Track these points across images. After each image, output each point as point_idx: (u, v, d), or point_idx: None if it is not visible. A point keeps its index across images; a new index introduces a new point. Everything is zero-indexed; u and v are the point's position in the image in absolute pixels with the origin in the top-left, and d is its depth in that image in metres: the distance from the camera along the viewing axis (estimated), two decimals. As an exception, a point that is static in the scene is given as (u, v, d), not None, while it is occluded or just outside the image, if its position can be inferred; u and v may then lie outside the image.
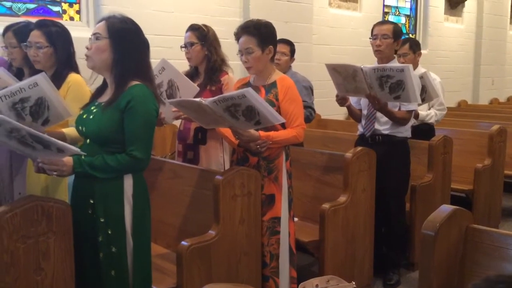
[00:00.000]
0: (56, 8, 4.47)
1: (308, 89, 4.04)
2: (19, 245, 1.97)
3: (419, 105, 3.69)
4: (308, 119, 3.84)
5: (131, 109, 2.12)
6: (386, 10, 7.64)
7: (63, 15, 4.50)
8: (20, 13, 4.27)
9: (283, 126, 2.77)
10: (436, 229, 1.88)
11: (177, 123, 3.47)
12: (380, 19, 6.88)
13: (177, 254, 2.54)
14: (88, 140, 2.21)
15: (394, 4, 7.84)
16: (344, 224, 3.24)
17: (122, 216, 2.18)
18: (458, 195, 4.54)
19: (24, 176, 2.76)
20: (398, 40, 3.50)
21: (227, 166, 3.18)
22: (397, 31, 3.48)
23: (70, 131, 2.54)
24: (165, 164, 3.29)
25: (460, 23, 8.92)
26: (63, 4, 4.50)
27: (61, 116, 2.36)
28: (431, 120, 4.31)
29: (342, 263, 3.27)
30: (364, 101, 3.57)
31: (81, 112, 2.29)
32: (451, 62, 8.55)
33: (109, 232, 2.17)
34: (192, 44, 3.22)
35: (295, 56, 4.21)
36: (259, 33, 2.74)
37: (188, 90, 3.00)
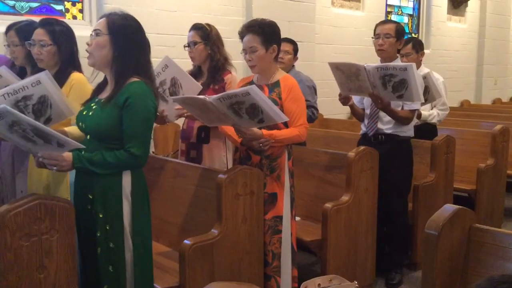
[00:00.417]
0: (59, 7, 4.48)
1: (311, 89, 4.04)
2: (22, 243, 1.97)
3: (421, 104, 3.69)
4: (310, 119, 3.84)
5: (129, 106, 2.13)
6: (388, 9, 7.63)
7: (66, 13, 4.51)
8: (23, 12, 4.28)
9: (286, 125, 2.77)
10: (439, 228, 1.88)
11: (180, 122, 3.47)
12: (382, 18, 6.87)
13: (180, 253, 2.54)
14: (88, 136, 2.22)
15: (397, 3, 7.83)
16: (346, 223, 3.24)
17: (120, 212, 2.19)
18: (461, 195, 4.53)
19: (26, 174, 2.76)
20: (401, 39, 3.50)
21: (230, 165, 3.18)
22: (399, 31, 3.47)
23: (73, 129, 2.54)
24: (168, 163, 3.29)
25: (463, 23, 8.90)
26: (66, 2, 4.51)
27: (63, 115, 2.37)
28: (434, 120, 4.30)
29: (345, 262, 3.27)
30: (367, 101, 3.56)
31: (81, 109, 2.30)
32: (454, 62, 8.54)
33: (107, 227, 2.18)
34: (195, 43, 3.22)
35: (298, 55, 4.21)
36: (263, 32, 2.74)
37: (191, 88, 3.00)
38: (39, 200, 2.02)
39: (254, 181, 2.73)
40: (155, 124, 2.80)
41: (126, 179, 2.20)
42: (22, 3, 4.28)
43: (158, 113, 2.88)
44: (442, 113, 4.34)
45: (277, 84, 2.80)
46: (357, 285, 1.43)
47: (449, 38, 8.48)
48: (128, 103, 2.12)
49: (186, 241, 2.55)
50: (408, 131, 3.57)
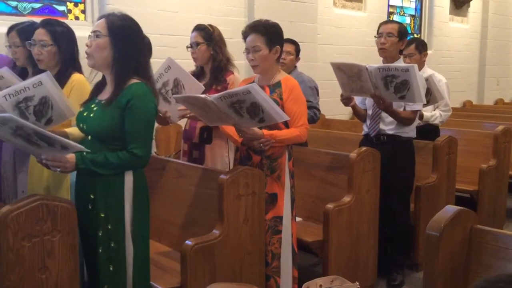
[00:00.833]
0: (61, 8, 4.49)
1: (313, 90, 4.04)
2: (24, 244, 1.98)
3: (424, 105, 3.68)
4: (312, 120, 3.84)
5: (132, 108, 2.14)
6: (391, 10, 7.62)
7: (68, 14, 4.51)
8: (25, 13, 4.29)
9: (287, 125, 2.78)
10: (441, 229, 1.87)
11: (182, 122, 3.47)
12: (385, 19, 6.87)
13: (181, 253, 2.55)
14: (89, 137, 2.23)
15: (399, 4, 7.82)
16: (348, 224, 3.24)
17: (122, 211, 2.21)
18: (463, 195, 4.52)
19: (27, 174, 2.77)
20: (403, 39, 3.49)
21: (232, 165, 3.18)
22: (402, 31, 3.47)
23: (73, 130, 2.55)
24: (169, 163, 3.30)
25: (465, 23, 8.89)
26: (68, 3, 4.51)
27: (64, 116, 2.37)
28: (436, 121, 4.29)
29: (346, 263, 3.27)
30: (369, 101, 3.56)
31: (81, 109, 2.30)
32: (456, 62, 8.52)
33: (109, 227, 2.19)
34: (198, 44, 3.23)
35: (300, 56, 4.21)
36: (267, 32, 2.75)
37: (194, 89, 3.00)
38: (41, 200, 2.03)
39: (256, 181, 2.73)
40: (157, 125, 2.80)
41: (128, 179, 2.22)
42: (25, 4, 4.29)
43: (161, 114, 2.90)
44: (445, 114, 4.33)
45: (278, 84, 2.81)
46: (358, 286, 1.43)
47: (451, 38, 8.46)
48: (130, 105, 2.14)
49: (187, 242, 2.55)
50: (410, 132, 3.56)
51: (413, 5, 8.08)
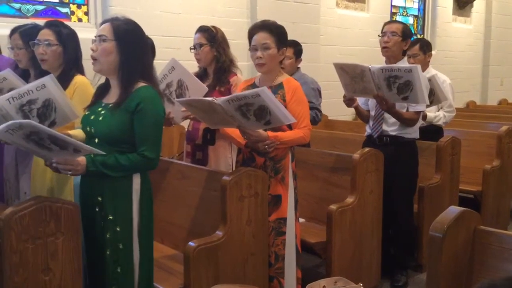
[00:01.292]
0: (64, 10, 4.50)
1: (315, 91, 4.03)
2: (27, 246, 1.98)
3: (427, 106, 3.68)
4: (314, 121, 3.83)
5: (141, 111, 2.16)
6: (394, 10, 7.61)
7: (71, 16, 4.52)
8: (29, 15, 4.31)
9: (290, 127, 2.77)
10: (444, 230, 1.87)
11: (185, 124, 3.48)
12: (387, 19, 6.84)
13: (185, 254, 2.55)
14: (96, 140, 2.23)
15: (402, 4, 7.81)
16: (351, 225, 3.24)
17: (130, 213, 2.22)
18: (467, 196, 4.51)
19: (29, 175, 2.78)
20: (407, 40, 3.49)
21: (235, 167, 3.18)
22: (406, 31, 3.47)
23: (77, 132, 2.55)
24: (173, 165, 3.30)
25: (468, 24, 8.87)
26: (71, 5, 4.53)
27: (68, 118, 2.38)
28: (439, 122, 4.28)
29: (350, 264, 3.27)
30: (372, 102, 3.56)
31: (86, 113, 2.31)
32: (459, 63, 8.50)
33: (118, 229, 2.20)
34: (201, 45, 3.24)
35: (302, 57, 4.20)
36: (277, 33, 2.76)
37: (197, 90, 3.01)
38: (44, 202, 2.03)
39: (259, 182, 2.73)
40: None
41: (136, 181, 2.24)
42: (28, 6, 4.30)
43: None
44: (449, 115, 4.32)
45: (280, 86, 2.80)
46: (362, 287, 1.43)
47: (454, 39, 8.44)
48: (140, 108, 2.16)
49: (190, 243, 2.55)
50: (413, 133, 3.55)
51: (416, 5, 8.07)
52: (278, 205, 2.82)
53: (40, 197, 2.09)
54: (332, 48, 6.35)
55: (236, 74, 3.26)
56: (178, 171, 3.22)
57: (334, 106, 5.68)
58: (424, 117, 4.07)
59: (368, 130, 3.67)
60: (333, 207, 3.16)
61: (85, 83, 2.74)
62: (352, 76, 3.15)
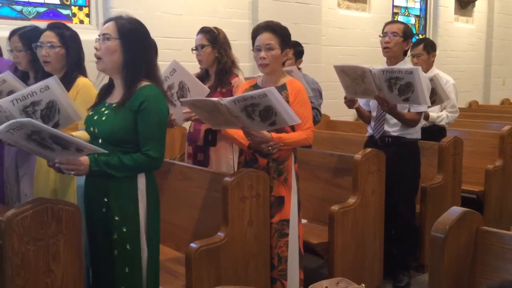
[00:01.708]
0: (66, 12, 4.50)
1: (316, 91, 4.03)
2: (29, 247, 1.98)
3: (429, 107, 3.67)
4: (314, 121, 3.81)
5: (145, 110, 2.15)
6: (395, 10, 7.60)
7: (72, 18, 4.53)
8: (30, 17, 4.31)
9: (293, 128, 2.77)
10: (446, 231, 1.86)
11: (186, 125, 3.48)
12: (389, 19, 6.83)
13: (186, 256, 2.54)
14: (100, 140, 2.22)
15: (403, 4, 7.80)
16: (353, 226, 3.23)
17: (136, 213, 2.21)
18: (469, 196, 4.50)
19: (30, 178, 2.77)
20: (408, 40, 3.48)
21: (237, 168, 3.18)
22: (407, 32, 3.46)
23: (80, 134, 2.55)
24: (174, 166, 3.30)
25: (470, 23, 8.85)
26: (72, 7, 4.53)
27: (71, 120, 2.38)
28: (442, 122, 4.26)
29: (352, 265, 3.26)
30: (373, 103, 3.55)
31: (90, 113, 2.30)
32: (461, 63, 8.49)
33: (124, 229, 2.19)
34: (202, 46, 3.24)
35: (304, 57, 4.19)
36: (281, 34, 2.76)
37: (199, 92, 3.01)
38: (46, 204, 2.03)
39: (260, 183, 2.73)
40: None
41: (141, 181, 2.23)
42: (30, 8, 4.31)
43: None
44: (452, 116, 4.30)
45: (283, 87, 2.80)
46: (364, 288, 1.42)
47: (456, 38, 8.43)
48: (144, 107, 2.14)
49: (192, 244, 2.55)
50: (415, 133, 3.55)
51: (417, 5, 8.06)
52: (281, 206, 2.82)
53: (42, 198, 2.09)
54: (334, 48, 6.35)
55: (237, 76, 3.26)
56: (180, 172, 3.22)
57: (336, 107, 5.67)
58: (427, 117, 4.06)
59: (369, 130, 3.66)
60: (335, 207, 3.15)
61: (88, 85, 2.74)
62: (353, 78, 3.15)
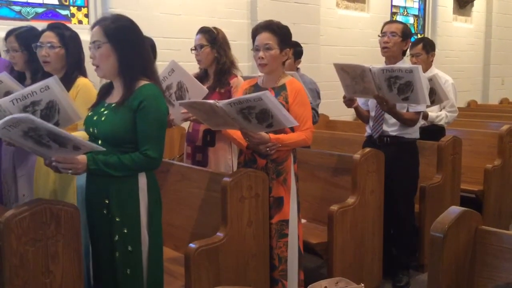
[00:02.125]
0: (64, 12, 4.50)
1: (313, 91, 4.02)
2: (28, 248, 1.98)
3: (428, 106, 3.67)
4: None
5: (144, 109, 2.14)
6: (394, 10, 7.61)
7: (71, 18, 4.53)
8: (29, 17, 4.31)
9: (292, 128, 2.77)
10: (445, 231, 1.86)
11: (186, 125, 3.47)
12: (388, 19, 6.84)
13: (185, 256, 2.54)
14: (99, 141, 2.21)
15: (402, 4, 7.80)
16: (352, 225, 3.23)
17: (137, 214, 2.20)
18: (468, 196, 4.50)
19: (28, 178, 2.77)
20: (407, 40, 3.49)
21: (236, 168, 3.18)
22: (406, 31, 3.47)
23: (80, 134, 2.55)
24: (173, 166, 3.30)
25: (469, 23, 8.86)
26: (71, 8, 4.53)
27: (71, 120, 2.38)
28: (441, 122, 4.26)
29: (351, 265, 3.26)
30: (372, 103, 3.55)
31: (89, 114, 2.30)
32: (460, 62, 8.50)
33: (125, 231, 2.18)
34: (202, 46, 3.24)
35: (303, 57, 4.19)
36: (280, 33, 2.75)
37: (197, 92, 3.01)
38: (44, 204, 2.03)
39: (259, 184, 2.73)
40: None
41: (142, 181, 2.22)
42: (28, 9, 4.31)
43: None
44: (451, 115, 4.30)
45: (283, 87, 2.80)
46: (363, 288, 1.42)
47: (455, 38, 8.44)
48: (143, 106, 2.13)
49: (191, 245, 2.55)
50: (413, 133, 3.55)
51: (416, 5, 8.07)
52: (281, 207, 2.82)
53: (41, 199, 2.09)
54: (332, 48, 6.35)
55: (236, 76, 3.25)
56: (179, 173, 3.21)
57: (335, 107, 5.67)
58: (426, 117, 4.06)
59: (368, 130, 3.66)
60: (334, 207, 3.15)
61: (88, 85, 2.74)
62: (353, 77, 3.15)
